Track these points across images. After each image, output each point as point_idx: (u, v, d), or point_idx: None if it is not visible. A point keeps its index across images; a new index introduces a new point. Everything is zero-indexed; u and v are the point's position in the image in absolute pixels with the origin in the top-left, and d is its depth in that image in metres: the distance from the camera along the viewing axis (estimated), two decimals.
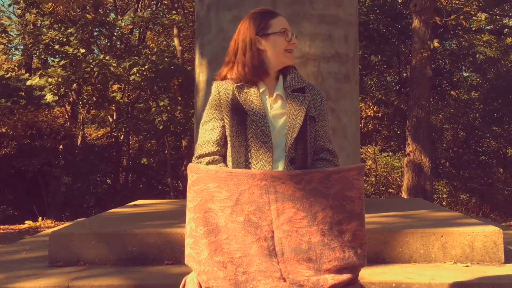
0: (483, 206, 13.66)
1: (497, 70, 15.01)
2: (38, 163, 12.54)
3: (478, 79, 16.12)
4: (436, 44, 11.07)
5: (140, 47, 14.67)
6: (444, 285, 2.90)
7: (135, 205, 5.37)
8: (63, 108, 14.61)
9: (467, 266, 3.28)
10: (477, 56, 13.92)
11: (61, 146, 13.70)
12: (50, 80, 11.09)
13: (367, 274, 3.02)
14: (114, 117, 14.62)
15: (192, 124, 11.25)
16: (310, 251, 1.87)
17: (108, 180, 15.74)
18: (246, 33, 2.14)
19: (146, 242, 3.46)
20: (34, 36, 11.78)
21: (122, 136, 14.91)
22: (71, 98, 13.79)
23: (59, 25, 12.97)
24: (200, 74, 4.55)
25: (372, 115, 14.56)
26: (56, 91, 11.22)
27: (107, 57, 11.70)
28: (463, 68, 15.45)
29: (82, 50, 11.42)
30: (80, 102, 13.20)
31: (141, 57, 12.09)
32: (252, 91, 2.12)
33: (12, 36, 13.97)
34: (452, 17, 11.46)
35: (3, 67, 14.93)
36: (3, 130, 12.29)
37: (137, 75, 11.41)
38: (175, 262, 3.40)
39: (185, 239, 2.00)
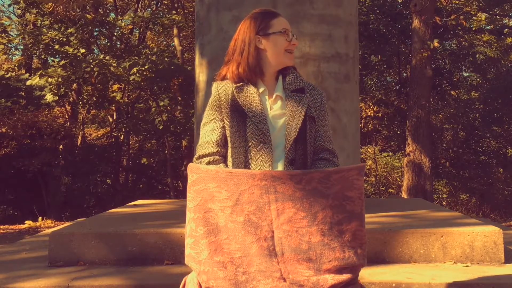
0: (483, 206, 13.66)
1: (497, 70, 15.02)
2: (38, 163, 12.54)
3: (478, 79, 16.12)
4: (436, 44, 11.07)
5: (140, 47, 14.68)
6: (444, 285, 2.90)
7: (135, 205, 5.37)
8: (63, 108, 14.61)
9: (467, 266, 3.28)
10: (477, 56, 13.92)
11: (61, 146, 13.70)
12: (50, 80, 11.09)
13: (367, 274, 3.02)
14: (114, 117, 14.62)
15: (192, 124, 11.25)
16: (310, 251, 1.87)
17: (108, 180, 15.74)
18: (246, 32, 2.15)
19: (146, 242, 3.46)
20: (34, 36, 11.78)
21: (122, 136, 14.91)
22: (71, 98, 13.80)
23: (59, 25, 12.97)
24: (200, 74, 4.55)
25: (372, 115, 14.57)
26: (56, 91, 11.22)
27: (107, 57, 11.70)
28: (463, 68, 15.45)
29: (82, 50, 11.42)
30: (80, 102, 13.21)
31: (141, 57, 12.10)
32: (252, 92, 2.12)
33: (12, 36, 13.98)
34: (452, 17, 11.46)
35: (3, 67, 14.93)
36: (3, 130, 12.28)
37: (137, 75, 11.41)
38: (175, 262, 3.39)
39: (185, 239, 2.00)
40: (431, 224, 3.63)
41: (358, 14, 5.02)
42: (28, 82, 11.46)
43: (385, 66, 14.71)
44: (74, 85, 12.62)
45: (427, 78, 11.43)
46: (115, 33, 14.11)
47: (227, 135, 2.11)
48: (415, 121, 11.21)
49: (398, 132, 15.10)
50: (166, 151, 14.37)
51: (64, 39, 11.75)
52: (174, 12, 14.51)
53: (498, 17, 15.14)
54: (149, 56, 12.09)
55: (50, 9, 12.97)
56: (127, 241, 3.47)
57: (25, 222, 10.81)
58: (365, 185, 13.20)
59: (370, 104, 14.63)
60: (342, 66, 4.32)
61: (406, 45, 14.29)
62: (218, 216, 1.92)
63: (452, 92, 14.91)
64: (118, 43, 15.15)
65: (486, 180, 14.21)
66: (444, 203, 13.77)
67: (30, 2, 12.75)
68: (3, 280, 3.12)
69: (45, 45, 11.71)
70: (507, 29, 14.50)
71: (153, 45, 16.36)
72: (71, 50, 11.22)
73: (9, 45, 13.76)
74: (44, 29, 12.40)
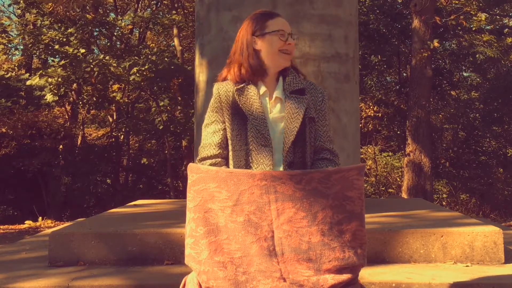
0: (483, 206, 13.67)
1: (497, 70, 15.02)
2: (38, 163, 12.54)
3: (478, 79, 16.13)
4: (436, 44, 11.07)
5: (140, 47, 14.68)
6: (444, 285, 2.90)
7: (135, 205, 5.37)
8: (63, 108, 14.61)
9: (467, 266, 3.28)
10: (477, 56, 13.92)
11: (61, 146, 13.70)
12: (50, 80, 11.09)
13: (367, 274, 3.02)
14: (114, 117, 14.62)
15: (192, 124, 11.25)
16: (310, 251, 1.87)
17: (108, 180, 15.74)
18: (245, 33, 2.16)
19: (146, 242, 3.46)
20: (34, 36, 11.78)
21: (122, 136, 14.91)
22: (71, 98, 13.80)
23: (59, 25, 12.96)
24: (200, 74, 4.55)
25: (372, 115, 14.57)
26: (56, 91, 11.22)
27: (107, 57, 11.70)
28: (463, 68, 15.45)
29: (82, 50, 11.42)
30: (80, 102, 13.21)
31: (141, 57, 12.09)
32: (252, 93, 2.12)
33: (12, 36, 13.98)
34: (452, 17, 11.47)
35: (3, 67, 14.93)
36: (3, 130, 12.28)
37: (137, 75, 11.41)
38: (175, 262, 3.40)
39: (185, 239, 2.01)
40: (431, 224, 3.63)
41: (358, 14, 5.02)
42: (28, 82, 11.46)
43: (385, 66, 14.71)
44: (74, 85, 12.61)
45: (427, 78, 11.43)
46: (115, 33, 14.11)
47: (228, 137, 2.12)
48: (415, 121, 11.21)
49: (398, 132, 15.10)
50: (166, 151, 14.37)
51: (64, 39, 11.75)
52: (174, 12, 14.51)
53: (498, 17, 15.14)
54: (149, 56, 12.09)
55: (50, 9, 12.97)
56: (127, 241, 3.47)
57: (25, 222, 10.81)
58: (365, 185, 13.20)
59: (370, 104, 14.63)
60: (342, 66, 4.32)
61: (406, 45, 14.29)
62: (218, 216, 1.92)
63: (452, 92, 14.91)
64: (118, 43, 15.15)
65: (486, 180, 14.21)
66: (444, 203, 13.77)
67: (30, 2, 12.75)
68: (3, 280, 3.12)
69: (45, 45, 11.71)
70: (507, 29, 14.50)
71: (153, 45, 16.36)
72: (71, 50, 11.22)
73: (9, 45, 13.76)
74: (44, 29, 12.40)
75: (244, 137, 2.08)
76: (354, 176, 1.93)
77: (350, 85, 4.40)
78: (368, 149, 14.87)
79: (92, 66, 11.04)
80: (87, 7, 14.62)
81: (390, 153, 15.16)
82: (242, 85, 2.13)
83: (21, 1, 12.91)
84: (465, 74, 16.24)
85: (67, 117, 14.42)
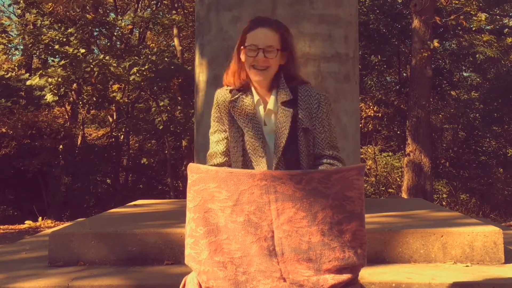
0: (483, 206, 13.67)
1: (497, 70, 15.02)
2: (38, 163, 12.54)
3: (478, 79, 16.13)
4: (436, 44, 11.07)
5: (140, 47, 14.68)
6: (444, 285, 2.90)
7: (135, 205, 5.37)
8: (63, 108, 14.61)
9: (467, 266, 3.28)
10: (477, 56, 13.93)
11: (61, 146, 13.70)
12: (50, 80, 11.09)
13: (367, 274, 3.02)
14: (114, 117, 14.63)
15: (192, 124, 11.25)
16: (310, 251, 1.87)
17: (108, 180, 15.74)
18: (238, 43, 2.19)
19: (146, 242, 3.46)
20: (34, 36, 11.78)
21: (122, 136, 14.91)
22: (71, 98, 13.80)
23: (59, 25, 12.97)
24: (200, 74, 4.55)
25: (372, 115, 14.57)
26: (56, 91, 11.23)
27: (107, 57, 11.70)
28: (463, 68, 15.46)
29: (82, 50, 11.42)
30: (80, 102, 13.21)
31: (141, 57, 12.10)
32: (247, 103, 2.14)
33: (12, 36, 13.98)
34: (452, 17, 11.47)
35: (3, 67, 14.93)
36: (3, 130, 12.29)
37: (137, 75, 11.41)
38: (175, 262, 3.39)
39: (185, 239, 2.01)
40: (431, 224, 3.63)
41: (358, 14, 5.02)
42: (28, 82, 11.46)
43: (385, 66, 14.71)
44: (74, 85, 12.62)
45: (427, 78, 11.43)
46: (115, 33, 14.11)
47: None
48: (415, 121, 11.22)
49: (398, 132, 15.10)
50: (166, 151, 14.37)
51: (64, 39, 11.75)
52: (174, 12, 14.51)
53: (498, 17, 15.14)
54: (149, 56, 12.09)
55: (50, 9, 12.97)
56: (127, 241, 3.47)
57: (25, 222, 10.81)
58: (365, 185, 13.19)
59: (370, 104, 14.63)
60: (342, 66, 4.32)
61: (406, 45, 14.30)
62: (218, 216, 1.92)
63: (452, 92, 14.92)
64: (118, 43, 15.15)
65: (486, 180, 14.21)
66: (444, 203, 13.77)
67: (30, 2, 12.75)
68: (3, 280, 3.12)
69: (45, 45, 11.71)
70: (507, 29, 14.51)
71: (153, 45, 16.36)
72: (71, 50, 11.22)
73: (9, 45, 13.76)
74: (44, 29, 12.40)
75: (241, 148, 2.14)
76: (354, 176, 1.93)
77: (350, 85, 4.40)
78: (368, 149, 14.87)
79: (92, 66, 11.04)
80: (87, 7, 14.63)
81: (390, 153, 15.16)
82: (236, 96, 2.16)
83: (21, 1, 12.91)
84: (465, 74, 16.25)
85: (67, 117, 14.43)
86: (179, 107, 12.81)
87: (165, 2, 16.53)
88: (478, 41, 13.15)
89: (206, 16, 4.45)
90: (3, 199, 14.02)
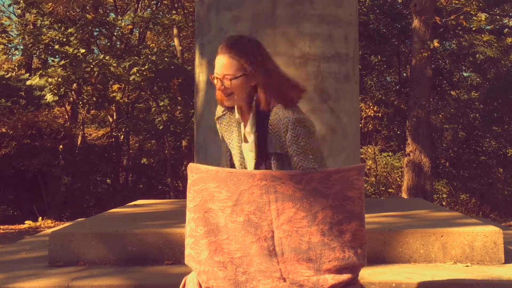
0: (483, 206, 13.67)
1: (497, 70, 15.02)
2: (38, 163, 12.54)
3: (478, 79, 16.13)
4: (436, 44, 11.07)
5: (140, 47, 14.68)
6: (444, 285, 2.90)
7: (135, 205, 5.37)
8: (63, 108, 14.61)
9: (467, 266, 3.28)
10: (477, 56, 13.93)
11: (61, 146, 13.70)
12: (50, 80, 11.09)
13: (367, 274, 3.02)
14: (114, 117, 14.62)
15: (192, 124, 11.25)
16: (310, 251, 1.87)
17: (108, 180, 15.74)
18: None
19: (146, 242, 3.46)
20: (34, 36, 11.78)
21: (122, 136, 14.91)
22: (71, 98, 13.80)
23: (59, 25, 12.96)
24: (200, 74, 4.55)
25: (372, 115, 14.57)
26: (56, 91, 11.23)
27: (107, 57, 11.70)
28: (463, 68, 15.46)
29: (82, 50, 11.42)
30: (80, 102, 13.21)
31: (141, 57, 12.10)
32: (232, 121, 2.21)
33: (12, 36, 13.98)
34: (452, 17, 11.47)
35: (3, 67, 14.94)
36: (3, 130, 12.29)
37: (137, 75, 11.41)
38: (175, 262, 3.39)
39: (185, 239, 2.01)
40: (431, 224, 3.63)
41: (358, 14, 5.02)
42: (28, 82, 11.46)
43: (385, 66, 14.71)
44: (74, 85, 12.61)
45: (427, 78, 11.42)
46: (115, 33, 14.11)
47: None
48: (415, 121, 11.21)
49: (398, 132, 15.10)
50: (166, 151, 14.37)
51: (64, 39, 11.75)
52: (174, 12, 14.51)
53: (498, 17, 15.14)
54: (149, 56, 12.09)
55: (50, 9, 12.97)
56: (127, 241, 3.47)
57: (25, 222, 10.81)
58: (365, 185, 13.19)
59: (370, 104, 14.63)
60: (342, 66, 4.32)
61: (406, 45, 14.30)
62: (218, 216, 1.92)
63: (452, 92, 14.91)
64: (118, 43, 15.15)
65: (486, 180, 14.21)
66: (444, 203, 13.77)
67: (30, 2, 12.75)
68: (3, 280, 3.12)
69: (45, 45, 11.71)
70: (507, 29, 14.51)
71: (153, 45, 16.36)
72: (71, 50, 11.22)
73: (9, 45, 13.76)
74: (44, 29, 12.40)
75: (229, 162, 2.27)
76: (354, 176, 1.93)
77: (350, 85, 4.40)
78: (368, 149, 14.87)
79: (92, 66, 11.04)
80: (87, 7, 14.62)
81: (390, 153, 15.16)
82: (224, 113, 2.23)
83: (21, 1, 12.91)
84: (465, 74, 16.25)
85: (67, 117, 14.43)
86: (179, 107, 12.81)
87: (165, 2, 16.53)
88: (478, 41, 13.15)
89: (206, 16, 4.45)
90: (3, 199, 14.01)
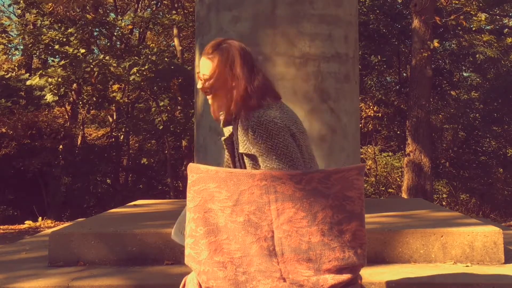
0: (483, 206, 13.67)
1: (497, 70, 15.01)
2: (38, 163, 12.54)
3: (478, 79, 16.12)
4: (436, 44, 11.07)
5: (140, 47, 14.67)
6: (444, 285, 2.90)
7: (135, 205, 5.37)
8: (63, 108, 14.61)
9: (467, 266, 3.28)
10: (477, 56, 13.93)
11: (61, 146, 13.70)
12: (50, 80, 11.10)
13: (367, 274, 3.01)
14: (114, 117, 14.63)
15: (192, 124, 11.25)
16: (310, 251, 1.87)
17: (108, 180, 15.74)
18: None
19: (146, 242, 3.46)
20: (34, 36, 11.78)
21: (122, 136, 14.91)
22: (71, 98, 13.80)
23: (59, 25, 12.96)
24: None
25: (372, 115, 14.57)
26: (56, 91, 11.23)
27: (107, 57, 11.70)
28: (463, 68, 15.46)
29: (82, 50, 11.42)
30: (80, 102, 13.21)
31: (141, 57, 12.09)
32: (226, 133, 2.24)
33: (12, 36, 13.98)
34: (452, 17, 11.47)
35: (3, 67, 14.94)
36: (3, 130, 12.29)
37: (137, 75, 11.41)
38: (175, 262, 3.39)
39: (185, 239, 2.00)
40: (431, 224, 3.63)
41: (358, 14, 5.02)
42: (28, 82, 11.46)
43: (385, 66, 14.71)
44: (74, 85, 12.62)
45: (427, 78, 11.42)
46: (115, 33, 14.11)
47: None
48: (415, 121, 11.21)
49: (398, 132, 15.10)
50: (166, 151, 14.37)
51: (64, 39, 11.75)
52: (174, 12, 14.51)
53: (498, 17, 15.14)
54: (149, 56, 12.09)
55: (50, 9, 12.97)
56: (127, 241, 3.47)
57: (25, 222, 10.81)
58: (365, 185, 13.19)
59: (370, 104, 14.63)
60: (342, 66, 4.32)
61: (406, 45, 14.30)
62: (218, 216, 1.92)
63: (452, 92, 14.91)
64: (118, 43, 15.15)
65: (486, 180, 14.21)
66: (444, 203, 13.77)
67: (30, 2, 12.75)
68: (3, 280, 3.12)
69: (45, 45, 11.71)
70: (507, 29, 14.51)
71: (153, 45, 16.34)
72: (71, 50, 11.22)
73: (9, 45, 13.76)
74: (44, 29, 12.40)
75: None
76: (354, 176, 1.93)
77: (350, 85, 4.40)
78: (368, 149, 14.87)
79: (92, 66, 11.04)
80: (87, 7, 14.62)
81: (390, 153, 15.16)
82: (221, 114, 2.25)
83: (21, 1, 12.91)
84: (465, 74, 16.25)
85: (67, 117, 14.43)
86: (179, 107, 12.81)
87: (165, 2, 16.53)
88: (478, 41, 13.15)
89: (206, 16, 4.45)
90: (3, 199, 14.01)
